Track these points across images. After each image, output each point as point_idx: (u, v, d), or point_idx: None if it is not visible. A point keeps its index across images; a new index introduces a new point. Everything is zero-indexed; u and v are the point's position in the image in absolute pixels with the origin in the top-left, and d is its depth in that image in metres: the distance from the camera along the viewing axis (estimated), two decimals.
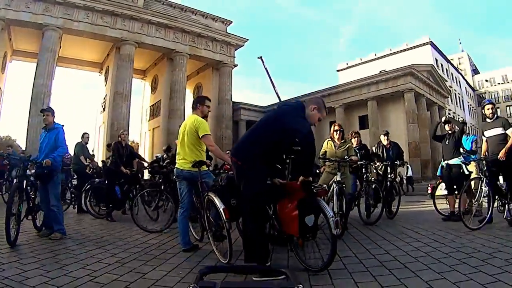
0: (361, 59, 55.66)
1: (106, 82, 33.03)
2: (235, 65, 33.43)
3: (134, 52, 28.87)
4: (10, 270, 3.91)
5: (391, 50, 51.79)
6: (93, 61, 34.94)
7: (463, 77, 62.79)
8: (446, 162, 8.26)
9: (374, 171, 8.79)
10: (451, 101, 49.30)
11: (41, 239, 5.95)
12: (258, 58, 46.48)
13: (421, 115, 32.79)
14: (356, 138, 8.53)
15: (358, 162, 7.74)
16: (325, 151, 7.71)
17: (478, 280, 3.40)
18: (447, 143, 8.25)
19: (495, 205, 7.05)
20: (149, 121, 35.64)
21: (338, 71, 59.85)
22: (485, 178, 6.71)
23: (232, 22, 34.25)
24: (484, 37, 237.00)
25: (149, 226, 7.06)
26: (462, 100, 57.24)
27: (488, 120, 7.34)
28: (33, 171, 6.77)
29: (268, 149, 4.01)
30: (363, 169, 8.00)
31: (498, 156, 6.72)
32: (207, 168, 5.73)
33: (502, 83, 67.83)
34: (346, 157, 7.22)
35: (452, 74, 55.04)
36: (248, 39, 33.65)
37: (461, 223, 6.52)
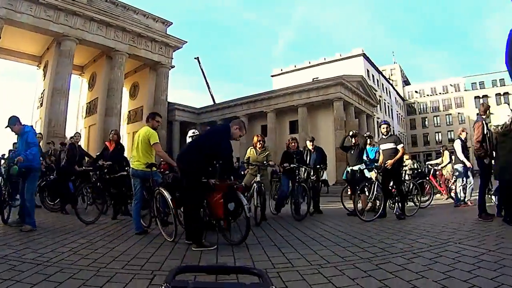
0: (295, 66, 57.76)
1: (44, 77, 32.97)
2: (172, 66, 34.75)
3: (75, 48, 29.44)
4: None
5: (325, 59, 54.32)
6: (32, 54, 34.88)
7: (393, 88, 66.72)
8: (350, 168, 10.27)
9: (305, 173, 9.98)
10: (380, 110, 52.35)
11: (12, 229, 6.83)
12: (195, 58, 48.42)
13: (349, 122, 34.43)
14: (294, 144, 9.89)
15: (292, 165, 9.12)
16: (249, 157, 9.31)
17: (349, 248, 5.17)
18: (352, 152, 10.26)
19: (388, 203, 9.18)
20: (85, 118, 35.88)
21: (272, 76, 61.79)
22: (377, 182, 8.66)
23: (172, 23, 35.42)
24: (422, 49, 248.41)
25: (87, 218, 7.93)
26: (391, 109, 60.90)
27: (383, 136, 9.23)
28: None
29: (202, 158, 5.64)
30: (296, 172, 9.18)
31: (386, 165, 8.70)
32: (156, 169, 7.04)
33: (430, 95, 72.54)
34: (265, 162, 8.97)
35: (382, 84, 58.39)
36: (186, 41, 35.15)
37: (366, 217, 8.39)
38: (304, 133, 31.52)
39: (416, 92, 74.71)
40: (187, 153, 6.10)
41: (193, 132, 8.69)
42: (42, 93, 32.51)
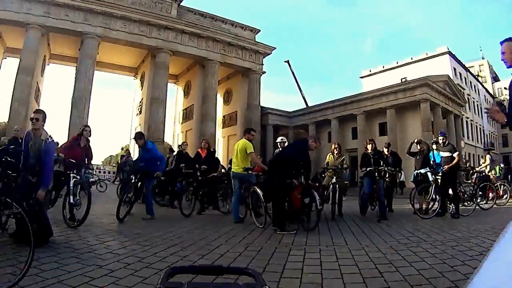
0: (383, 67, 55.87)
1: (142, 86, 34.64)
2: (263, 72, 34.45)
3: (169, 60, 30.32)
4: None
5: (412, 58, 51.95)
6: (129, 66, 36.60)
7: (482, 85, 62.50)
8: (417, 171, 10.71)
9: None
10: (469, 109, 49.45)
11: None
12: (285, 62, 47.80)
13: (437, 123, 32.88)
14: (370, 145, 10.11)
15: (368, 169, 9.69)
16: (327, 162, 10.79)
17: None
18: (417, 158, 10.84)
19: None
20: (182, 123, 37.15)
21: (361, 77, 60.22)
22: (434, 184, 9.77)
23: (260, 30, 35.25)
24: None
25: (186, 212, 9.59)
26: (480, 108, 57.14)
27: (441, 146, 10.39)
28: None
29: (286, 164, 7.46)
30: (376, 174, 9.61)
31: (443, 170, 9.85)
32: (251, 172, 8.70)
33: None
34: (339, 165, 10.36)
35: (470, 82, 54.76)
36: (275, 48, 34.70)
37: (425, 215, 9.43)
38: (392, 135, 31.21)
39: (505, 88, 69.58)
40: (276, 160, 8.27)
41: (281, 139, 10.70)
42: (140, 102, 34.34)
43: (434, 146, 11.00)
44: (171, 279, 1.09)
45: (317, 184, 10.27)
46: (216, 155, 13.06)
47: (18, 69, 26.34)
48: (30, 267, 3.28)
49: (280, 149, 10.11)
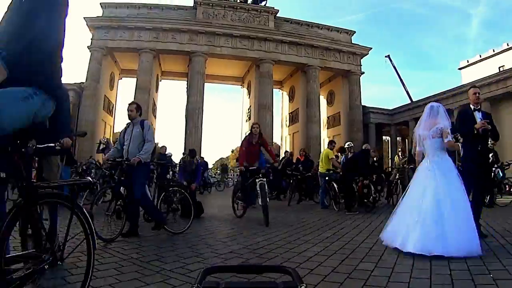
0: (480, 56, 53.27)
1: (249, 94, 36.23)
2: (362, 73, 34.41)
3: (272, 69, 31.48)
4: None
5: (508, 45, 49.42)
6: (235, 76, 38.19)
7: None
8: None
9: None
10: None
11: None
12: (385, 57, 47.10)
13: None
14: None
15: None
16: (395, 162, 13.78)
17: None
18: None
19: None
20: (288, 126, 38.03)
21: (460, 69, 57.21)
22: None
23: (355, 32, 35.35)
24: None
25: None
26: None
27: None
28: None
29: (353, 165, 10.66)
30: None
31: None
32: (332, 171, 11.38)
33: None
34: (401, 165, 12.94)
35: None
36: (371, 48, 34.50)
37: None
38: None
39: None
40: (346, 163, 11.60)
41: (348, 144, 13.09)
42: (249, 109, 35.89)
43: None
44: (208, 278, 1.09)
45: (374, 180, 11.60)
46: (311, 159, 16.02)
47: (136, 88, 29.26)
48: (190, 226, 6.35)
49: (349, 154, 12.45)
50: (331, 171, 11.41)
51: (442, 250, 4.22)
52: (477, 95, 6.13)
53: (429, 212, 4.62)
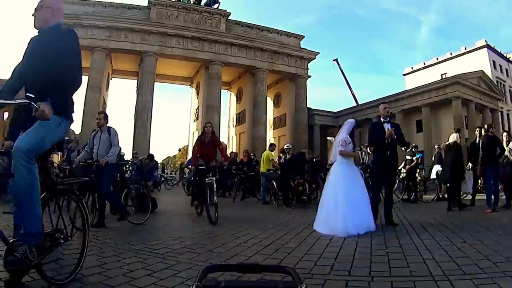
0: (424, 63, 55.35)
1: (197, 95, 37.01)
2: (309, 76, 35.53)
3: (221, 70, 32.24)
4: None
5: (451, 54, 51.18)
6: (185, 76, 38.93)
7: None
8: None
9: None
10: (511, 101, 48.76)
11: None
12: (333, 60, 48.36)
13: (471, 119, 33.18)
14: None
15: None
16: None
17: None
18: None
19: None
20: (235, 127, 38.98)
21: (404, 75, 59.84)
22: None
23: (304, 36, 36.41)
24: None
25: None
26: None
27: None
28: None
29: (288, 165, 12.39)
30: None
31: None
32: (272, 171, 12.58)
33: None
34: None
35: None
36: (319, 52, 35.65)
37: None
38: (428, 132, 31.91)
39: None
40: (284, 163, 12.67)
41: (287, 146, 13.43)
42: (197, 109, 36.66)
43: None
44: (208, 276, 1.15)
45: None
46: (255, 159, 16.62)
47: (87, 87, 28.95)
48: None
49: (288, 155, 12.91)
50: (271, 171, 12.60)
51: (344, 230, 5.67)
52: (387, 109, 7.38)
53: (334, 201, 6.10)
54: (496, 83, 42.72)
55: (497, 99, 39.20)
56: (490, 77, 40.29)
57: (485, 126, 9.86)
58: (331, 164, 6.97)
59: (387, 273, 3.54)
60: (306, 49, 35.55)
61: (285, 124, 36.22)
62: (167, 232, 6.30)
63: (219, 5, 34.52)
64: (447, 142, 10.22)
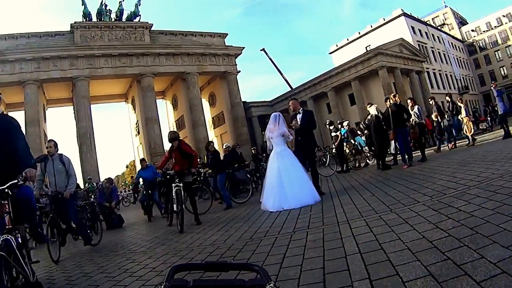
0: (347, 39, 57.26)
1: (134, 109, 37.48)
2: (238, 71, 36.52)
3: (153, 81, 32.72)
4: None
5: (371, 26, 53.65)
6: (119, 93, 39.29)
7: (447, 33, 63.79)
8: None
9: None
10: (435, 60, 51.79)
11: None
12: (260, 50, 50.01)
13: (398, 84, 35.56)
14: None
15: None
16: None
17: None
18: None
19: None
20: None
21: (330, 53, 61.89)
22: None
23: (227, 34, 37.42)
24: None
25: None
26: (447, 56, 58.47)
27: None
28: None
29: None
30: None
31: None
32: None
33: (487, 30, 68.61)
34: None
35: (432, 35, 56.24)
36: (244, 47, 36.81)
37: None
38: (360, 104, 33.32)
39: (472, 31, 70.39)
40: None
41: (226, 145, 13.33)
42: (136, 123, 37.26)
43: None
44: (176, 276, 1.14)
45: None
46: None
47: (25, 122, 28.53)
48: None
49: (227, 153, 12.63)
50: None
51: (288, 205, 7.04)
52: (295, 104, 8.94)
53: (276, 182, 7.43)
54: (418, 47, 45.43)
55: (421, 61, 41.81)
56: (412, 42, 42.90)
57: (391, 96, 11.29)
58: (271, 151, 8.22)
59: (306, 227, 4.90)
60: (231, 46, 36.57)
61: (224, 121, 37.25)
62: (135, 243, 7.16)
63: (140, 18, 34.89)
64: (368, 115, 11.74)
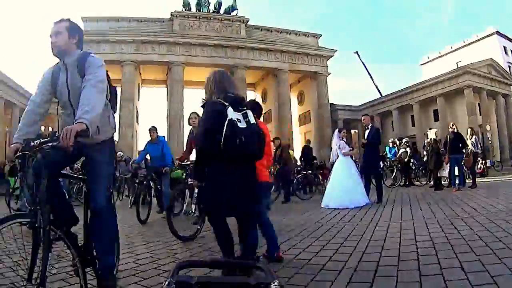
0: (439, 53, 55.11)
1: None
2: (329, 73, 35.87)
3: (245, 74, 33.00)
4: None
5: (464, 42, 51.41)
6: None
7: None
8: None
9: None
10: None
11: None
12: (354, 53, 48.45)
13: (483, 106, 34.00)
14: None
15: None
16: None
17: None
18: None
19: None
20: None
21: (421, 64, 59.42)
22: None
23: (321, 35, 36.76)
24: None
25: None
26: None
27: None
28: None
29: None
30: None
31: None
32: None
33: None
34: None
35: None
36: (336, 50, 36.04)
37: None
38: (444, 121, 31.83)
39: None
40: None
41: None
42: None
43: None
44: (181, 273, 1.12)
45: None
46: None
47: (121, 99, 29.85)
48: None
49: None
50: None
51: (349, 203, 8.43)
52: (366, 120, 10.12)
53: (338, 185, 8.89)
54: (508, 69, 42.82)
55: (509, 84, 39.31)
56: (502, 63, 40.56)
57: (450, 125, 12.24)
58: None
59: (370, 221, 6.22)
60: (324, 47, 35.93)
61: (310, 120, 36.87)
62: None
63: (237, 12, 35.15)
64: (428, 139, 13.11)
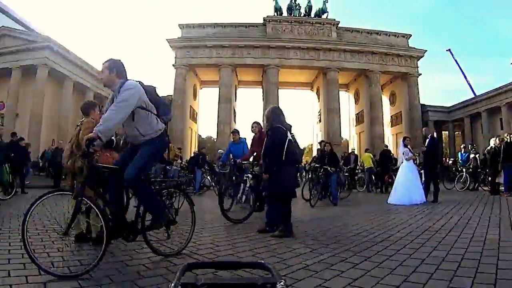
0: None
1: (318, 98, 38.87)
2: (419, 74, 35.73)
3: (337, 75, 34.04)
4: None
5: None
6: (305, 82, 40.86)
7: None
8: None
9: None
10: None
11: None
12: (446, 50, 47.26)
13: None
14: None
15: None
16: None
17: None
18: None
19: None
20: (355, 126, 40.27)
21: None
22: None
23: (411, 35, 36.56)
24: None
25: None
26: None
27: None
28: None
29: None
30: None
31: None
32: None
33: None
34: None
35: None
36: (426, 50, 35.74)
37: None
38: None
39: None
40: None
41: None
42: (319, 112, 38.70)
43: None
44: (188, 274, 1.15)
45: None
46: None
47: (218, 100, 33.05)
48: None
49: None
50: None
51: (408, 201, 9.87)
52: (426, 131, 12.31)
53: (401, 186, 10.41)
54: None
55: None
56: None
57: (504, 135, 13.49)
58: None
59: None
60: (414, 48, 35.83)
61: (401, 122, 36.81)
62: None
63: (327, 14, 36.06)
64: (488, 147, 14.10)
